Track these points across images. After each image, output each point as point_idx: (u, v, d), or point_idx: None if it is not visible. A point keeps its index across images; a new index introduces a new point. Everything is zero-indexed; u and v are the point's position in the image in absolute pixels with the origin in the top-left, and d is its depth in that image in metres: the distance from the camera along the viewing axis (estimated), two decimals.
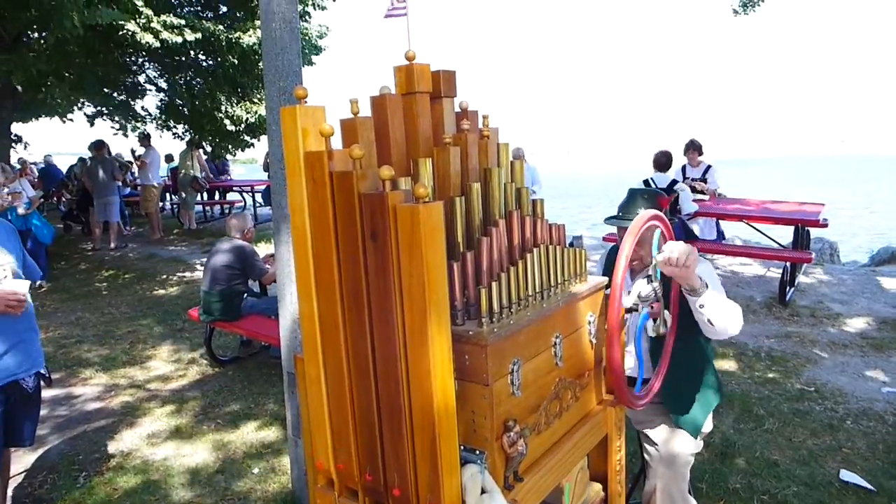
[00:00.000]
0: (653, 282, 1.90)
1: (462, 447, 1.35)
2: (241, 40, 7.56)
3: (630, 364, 2.16)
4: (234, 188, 12.81)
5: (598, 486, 1.91)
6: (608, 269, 2.33)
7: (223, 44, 7.42)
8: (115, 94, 9.02)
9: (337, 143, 1.38)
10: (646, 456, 2.35)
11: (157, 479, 3.34)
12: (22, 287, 2.50)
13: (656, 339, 2.01)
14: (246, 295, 4.91)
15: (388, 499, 1.38)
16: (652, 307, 1.90)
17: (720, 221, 7.17)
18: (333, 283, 1.33)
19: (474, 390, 1.35)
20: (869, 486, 3.01)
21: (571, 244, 1.78)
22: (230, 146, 9.39)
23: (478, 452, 1.37)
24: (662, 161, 6.54)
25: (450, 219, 1.45)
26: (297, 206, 1.37)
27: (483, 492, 1.31)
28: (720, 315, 1.92)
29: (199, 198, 11.86)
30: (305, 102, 1.35)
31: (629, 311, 1.87)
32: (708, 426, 2.30)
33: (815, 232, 7.56)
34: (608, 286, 1.81)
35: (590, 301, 1.78)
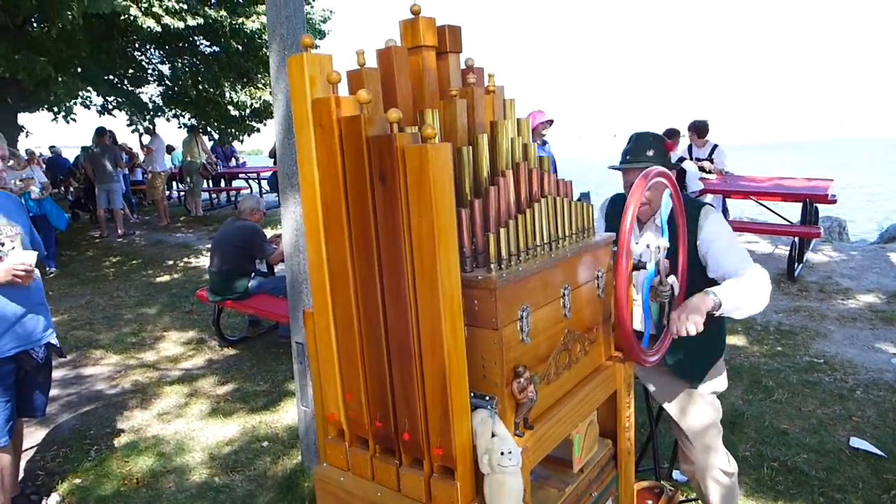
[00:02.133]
0: (661, 237, 1.89)
1: (472, 394, 1.36)
2: (244, 26, 7.55)
3: (638, 317, 2.13)
4: (241, 175, 12.82)
5: (608, 442, 1.92)
6: (609, 221, 2.30)
7: (226, 29, 7.41)
8: (119, 84, 9.03)
9: (344, 94, 1.38)
10: (678, 438, 2.29)
11: (169, 454, 3.37)
12: (30, 257, 2.51)
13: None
14: (254, 274, 4.93)
15: (398, 445, 1.39)
16: (658, 263, 1.90)
17: (726, 200, 7.13)
18: (342, 230, 1.34)
19: (484, 335, 1.35)
20: (880, 451, 3.00)
21: (579, 199, 1.78)
22: (236, 131, 9.39)
23: (488, 398, 1.37)
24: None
25: (458, 168, 1.45)
26: (306, 155, 1.38)
27: (493, 436, 1.32)
28: (744, 310, 1.89)
29: (205, 185, 11.89)
30: (313, 51, 1.35)
31: (636, 268, 1.87)
32: (722, 383, 2.27)
33: (823, 210, 7.51)
34: (616, 242, 1.81)
35: (598, 255, 1.77)
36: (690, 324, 1.77)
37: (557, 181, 1.71)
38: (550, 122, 5.97)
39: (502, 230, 1.40)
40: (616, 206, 2.28)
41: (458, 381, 1.27)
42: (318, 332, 1.46)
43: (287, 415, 3.78)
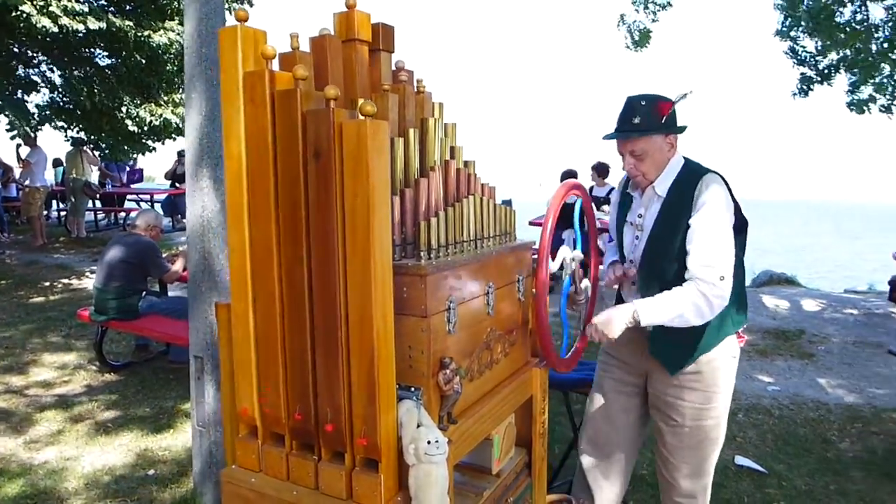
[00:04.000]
0: (574, 248, 1.97)
1: (398, 385, 1.32)
2: (150, 39, 7.20)
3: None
4: (131, 197, 12.05)
5: (522, 450, 1.92)
6: (623, 199, 2.04)
7: (130, 40, 7.03)
8: (4, 86, 8.29)
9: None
10: (664, 443, 2.01)
11: (38, 484, 3.01)
12: None
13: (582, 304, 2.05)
14: (145, 294, 4.60)
15: (318, 438, 1.32)
16: (574, 274, 1.97)
17: None
18: (269, 210, 1.29)
19: (412, 324, 1.33)
20: (761, 468, 3.22)
21: (503, 204, 1.79)
22: (130, 149, 8.83)
23: (413, 389, 1.34)
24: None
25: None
26: (233, 132, 1.32)
27: (419, 426, 1.28)
28: (669, 319, 1.76)
29: (90, 205, 11.05)
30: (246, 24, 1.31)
31: (553, 277, 1.93)
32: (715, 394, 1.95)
33: None
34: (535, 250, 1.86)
35: (519, 259, 1.81)
36: (601, 336, 1.78)
37: (482, 185, 1.74)
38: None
39: (433, 219, 1.40)
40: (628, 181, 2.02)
41: (387, 366, 1.24)
42: (235, 320, 1.38)
43: (177, 440, 3.49)
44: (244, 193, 1.32)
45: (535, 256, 1.90)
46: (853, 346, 5.34)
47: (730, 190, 1.82)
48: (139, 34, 7.09)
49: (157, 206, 11.83)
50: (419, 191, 1.43)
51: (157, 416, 3.83)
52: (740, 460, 3.31)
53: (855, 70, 6.99)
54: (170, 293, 5.13)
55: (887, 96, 7.12)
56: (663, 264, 1.83)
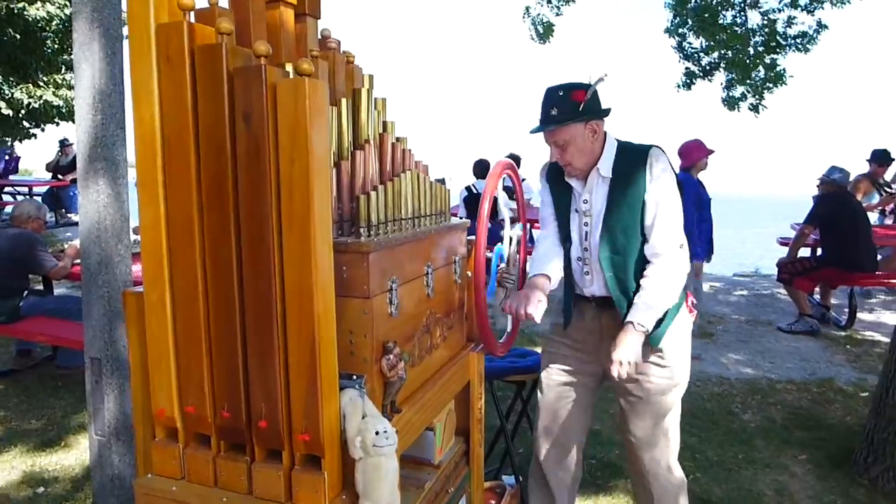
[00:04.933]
0: (513, 227, 1.94)
1: (339, 374, 1.22)
2: (25, 12, 6.51)
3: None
4: (7, 190, 10.91)
5: (460, 438, 1.86)
6: (554, 185, 1.99)
7: (1, 13, 6.32)
8: None
9: None
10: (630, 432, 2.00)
11: None
12: None
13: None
14: (26, 293, 4.14)
15: (250, 437, 1.19)
16: (508, 253, 1.94)
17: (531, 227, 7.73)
18: (189, 180, 1.13)
19: (353, 306, 1.23)
20: None
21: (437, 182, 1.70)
22: (5, 135, 7.97)
23: (355, 377, 1.24)
24: (478, 170, 6.94)
25: None
26: (144, 94, 1.16)
27: (364, 416, 1.18)
28: (662, 308, 1.80)
29: None
30: None
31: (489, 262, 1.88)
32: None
33: None
34: (473, 230, 1.81)
35: (455, 240, 1.75)
36: (631, 367, 1.74)
37: (416, 162, 1.66)
38: (711, 151, 4.74)
39: (373, 193, 1.30)
40: (557, 171, 1.96)
41: (329, 353, 1.13)
42: (149, 310, 1.21)
43: (70, 454, 3.16)
44: (158, 163, 1.16)
45: (471, 237, 1.85)
46: (747, 325, 5.72)
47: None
48: (12, 6, 6.39)
49: (38, 200, 10.80)
50: (355, 164, 1.33)
51: (46, 429, 3.45)
52: None
53: (733, 69, 7.51)
54: (55, 291, 4.67)
55: (757, 96, 7.70)
56: (624, 242, 1.82)
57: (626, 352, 1.73)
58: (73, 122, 2.35)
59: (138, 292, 1.29)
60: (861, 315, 5.71)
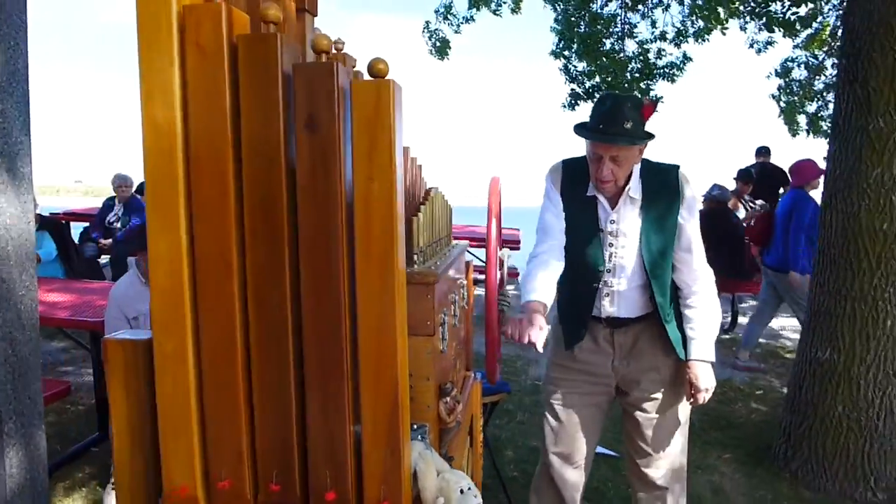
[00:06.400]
0: (500, 250, 1.85)
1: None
2: None
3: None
4: None
5: None
6: (571, 187, 1.83)
7: None
8: None
9: None
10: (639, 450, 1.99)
11: None
12: None
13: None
14: None
15: None
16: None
17: None
18: (227, 202, 0.92)
19: (414, 345, 1.06)
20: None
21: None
22: None
23: (416, 426, 1.07)
24: None
25: None
26: (157, 90, 0.92)
27: (438, 474, 1.02)
28: (715, 331, 1.86)
29: None
30: None
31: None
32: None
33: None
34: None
35: (463, 262, 1.62)
36: (710, 393, 1.81)
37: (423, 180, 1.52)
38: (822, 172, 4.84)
39: (420, 215, 1.14)
40: (575, 172, 1.82)
41: (407, 403, 0.95)
42: (161, 363, 0.96)
43: None
44: (179, 179, 0.92)
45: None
46: None
47: None
48: None
49: None
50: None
51: None
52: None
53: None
54: None
55: None
56: (662, 263, 1.80)
57: (708, 381, 1.80)
58: None
59: (125, 340, 1.03)
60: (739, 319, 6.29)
